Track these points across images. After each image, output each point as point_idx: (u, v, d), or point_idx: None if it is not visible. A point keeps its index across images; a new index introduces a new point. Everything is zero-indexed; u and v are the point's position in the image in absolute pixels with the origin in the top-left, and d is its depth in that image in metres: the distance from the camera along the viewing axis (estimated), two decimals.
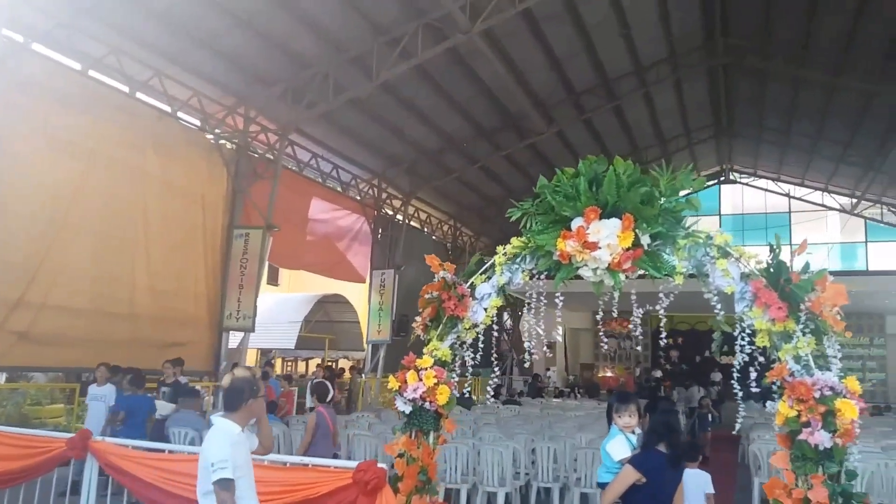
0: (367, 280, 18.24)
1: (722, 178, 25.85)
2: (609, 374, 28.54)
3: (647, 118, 19.28)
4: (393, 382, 3.79)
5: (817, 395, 3.08)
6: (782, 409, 3.16)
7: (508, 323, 31.92)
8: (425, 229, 21.50)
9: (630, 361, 28.28)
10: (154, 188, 12.06)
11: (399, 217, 19.32)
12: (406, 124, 16.02)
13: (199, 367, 13.16)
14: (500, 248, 3.97)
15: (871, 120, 17.07)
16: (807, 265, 3.36)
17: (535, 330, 32.48)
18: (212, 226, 13.49)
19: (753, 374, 3.38)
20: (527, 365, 15.76)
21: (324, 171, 16.59)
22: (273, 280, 29.61)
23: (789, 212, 24.78)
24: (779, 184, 25.04)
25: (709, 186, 26.25)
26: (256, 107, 13.53)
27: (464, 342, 4.04)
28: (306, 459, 4.39)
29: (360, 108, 14.45)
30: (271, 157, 14.20)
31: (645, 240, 3.55)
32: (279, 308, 16.73)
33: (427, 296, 3.92)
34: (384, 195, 18.64)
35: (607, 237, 3.51)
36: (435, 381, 3.70)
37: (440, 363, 3.89)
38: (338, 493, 3.79)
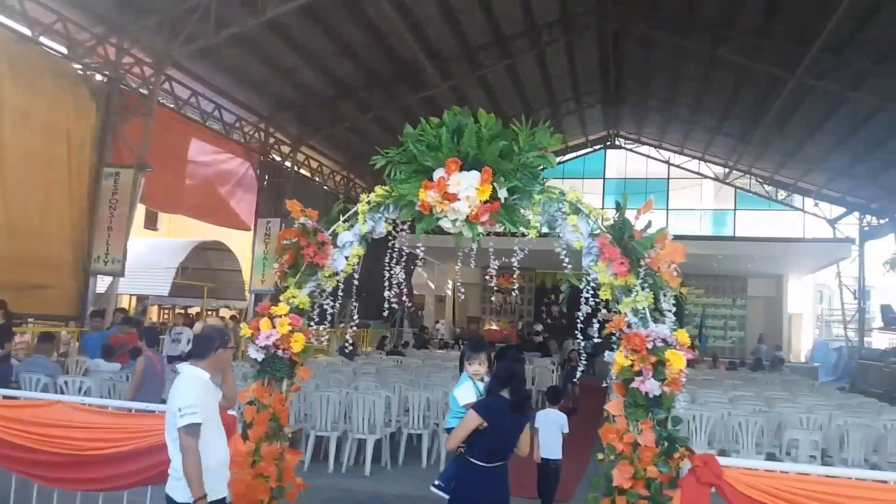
0: (252, 228, 17.70)
1: (608, 144, 26.79)
2: (495, 327, 29.37)
3: (540, 79, 19.55)
4: (245, 330, 3.69)
5: (650, 346, 3.26)
6: (618, 358, 3.34)
7: (402, 275, 32.13)
8: (316, 178, 21.01)
9: (514, 315, 29.23)
10: (10, 119, 11.02)
11: (287, 164, 18.76)
12: (296, 66, 15.45)
13: (65, 311, 12.43)
14: (363, 196, 3.91)
15: (745, 94, 18.12)
16: (649, 223, 3.51)
17: (427, 284, 32.89)
18: (78, 164, 12.55)
19: (596, 326, 3.53)
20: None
21: (205, 111, 15.77)
22: (152, 224, 28.13)
23: (668, 178, 26.09)
24: (660, 151, 26.25)
25: (595, 150, 27.20)
26: (130, 37, 12.57)
27: (324, 290, 3.98)
28: (133, 405, 4.25)
29: (245, 45, 13.74)
30: (145, 93, 13.30)
31: (502, 193, 3.59)
32: (154, 253, 15.93)
33: (285, 242, 3.82)
34: (271, 140, 17.99)
35: (466, 189, 3.52)
36: (290, 328, 3.62)
37: (298, 311, 3.81)
38: None
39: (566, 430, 5.70)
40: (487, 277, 3.88)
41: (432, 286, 32.95)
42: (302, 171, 19.91)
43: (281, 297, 3.80)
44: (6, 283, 11.07)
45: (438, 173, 3.57)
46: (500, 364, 3.79)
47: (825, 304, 40.13)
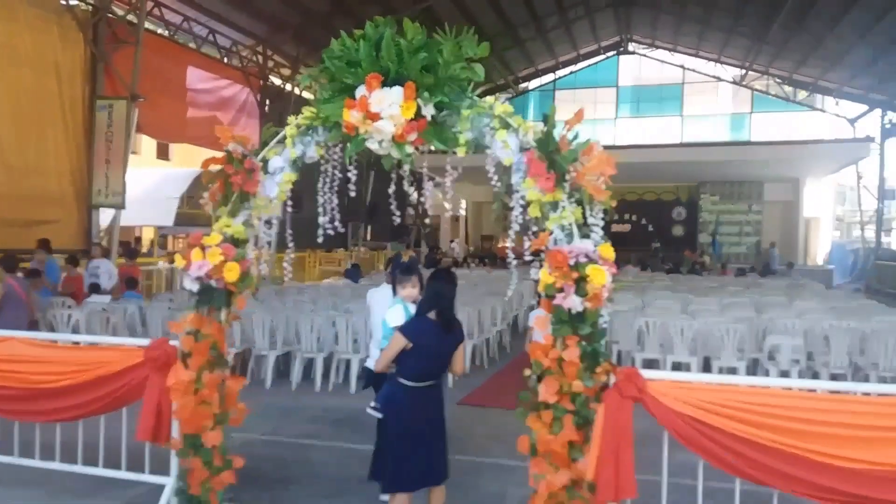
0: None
1: (621, 49, 25.82)
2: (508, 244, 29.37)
3: None
4: (179, 261, 3.70)
5: (572, 262, 3.21)
6: (543, 275, 3.29)
7: (415, 196, 32.12)
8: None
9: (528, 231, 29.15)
10: None
11: (288, 87, 18.46)
12: None
13: (71, 246, 12.63)
14: (291, 119, 3.81)
15: None
16: (576, 135, 3.38)
17: (442, 205, 32.89)
18: (70, 97, 12.50)
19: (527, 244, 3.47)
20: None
21: (199, 36, 15.44)
22: (164, 155, 28.28)
23: (682, 83, 25.22)
24: (674, 55, 25.28)
25: (608, 58, 26.26)
26: None
27: (260, 218, 3.96)
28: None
29: None
30: (133, 20, 13.03)
31: (429, 110, 3.47)
32: (161, 183, 16.04)
33: (211, 168, 3.77)
34: (270, 63, 17.64)
35: (390, 107, 3.40)
36: (221, 258, 3.62)
37: (233, 241, 3.80)
38: (130, 372, 3.78)
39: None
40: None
41: (448, 206, 32.92)
42: (305, 94, 19.57)
43: (213, 227, 3.79)
44: (9, 221, 11.29)
45: (360, 91, 3.45)
46: (428, 286, 3.78)
47: (848, 206, 39.26)
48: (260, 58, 17.18)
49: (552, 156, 3.30)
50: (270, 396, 7.19)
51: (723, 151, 23.06)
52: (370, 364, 4.60)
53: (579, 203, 3.35)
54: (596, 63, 26.35)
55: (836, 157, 23.01)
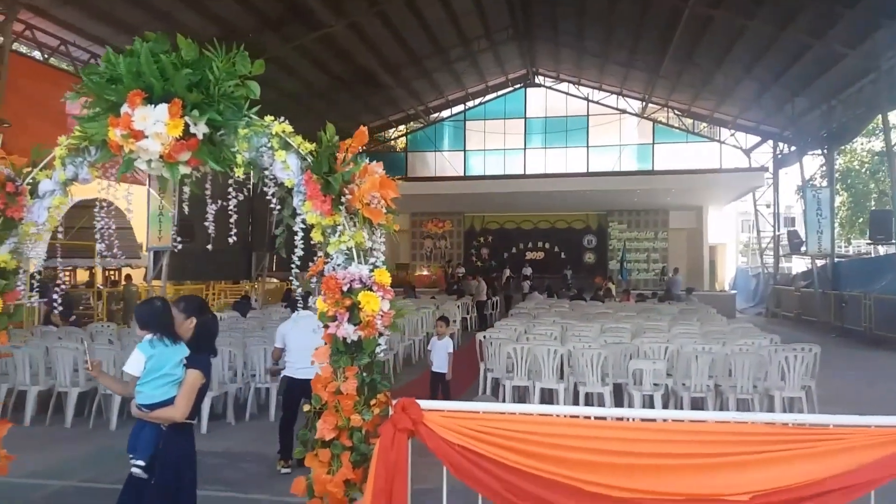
0: (146, 182, 16.94)
1: (528, 82, 26.39)
2: (425, 272, 29.29)
3: (446, 17, 18.90)
4: None
5: (346, 288, 3.03)
6: (319, 304, 3.10)
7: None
8: None
9: (444, 260, 29.17)
10: None
11: None
12: (175, 8, 14.54)
13: None
14: (62, 139, 3.52)
15: (648, 26, 17.88)
16: (355, 157, 3.23)
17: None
18: None
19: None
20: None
21: (79, 60, 14.79)
22: None
23: (587, 115, 25.92)
24: (579, 88, 26.01)
25: (515, 90, 26.79)
26: None
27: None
28: None
29: None
30: None
31: (200, 129, 3.24)
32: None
33: None
34: None
35: (155, 125, 3.16)
36: None
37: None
38: None
39: (450, 351, 7.41)
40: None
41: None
42: None
43: None
44: None
45: (125, 109, 3.20)
46: (199, 324, 3.54)
47: (753, 233, 41.10)
48: None
49: (326, 177, 3.12)
50: (113, 439, 6.70)
51: (627, 181, 23.74)
52: None
53: (357, 225, 3.18)
54: (505, 94, 26.81)
55: (734, 185, 24.06)
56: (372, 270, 3.09)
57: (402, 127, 28.18)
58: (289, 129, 3.33)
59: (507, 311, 16.07)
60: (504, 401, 7.66)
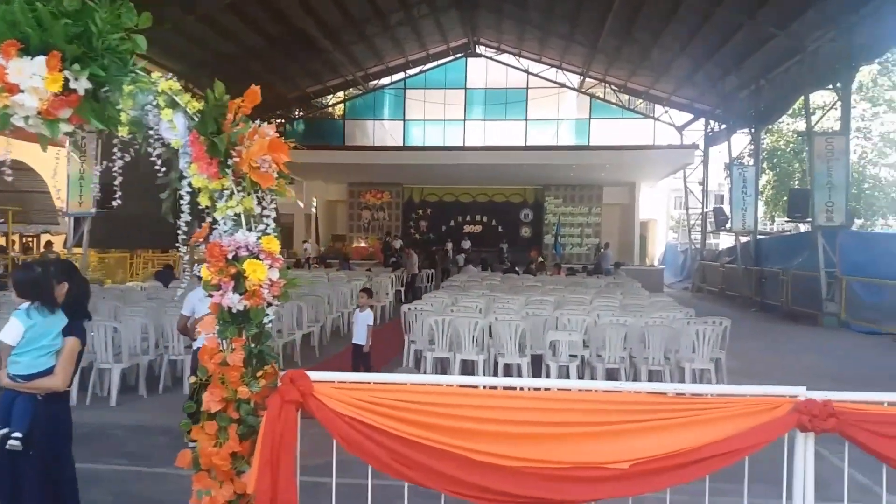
0: (66, 144, 16.15)
1: (469, 52, 26.20)
2: (363, 244, 29.07)
3: None
4: None
5: (231, 256, 2.92)
6: (204, 272, 2.98)
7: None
8: None
9: (382, 232, 28.97)
10: None
11: None
12: None
13: None
14: None
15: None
16: (244, 117, 3.09)
17: (296, 203, 31.88)
18: None
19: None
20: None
21: None
22: None
23: (527, 87, 25.97)
24: (520, 60, 25.98)
25: (456, 59, 26.58)
26: None
27: None
28: None
29: None
30: None
31: (82, 84, 3.04)
32: None
33: None
34: None
35: (31, 79, 2.94)
36: None
37: None
38: None
39: (370, 323, 7.36)
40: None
41: (301, 204, 32.03)
42: None
43: None
44: None
45: None
46: (71, 288, 3.38)
47: (685, 210, 42.26)
48: None
49: (211, 138, 2.98)
50: None
51: (564, 155, 23.97)
52: None
53: (245, 190, 3.05)
54: (446, 63, 26.58)
55: (666, 162, 24.59)
56: (259, 238, 2.98)
57: (340, 94, 27.65)
58: (176, 86, 3.16)
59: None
60: (425, 372, 7.68)
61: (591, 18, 19.21)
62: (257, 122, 3.08)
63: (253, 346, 3.02)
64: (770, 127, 27.59)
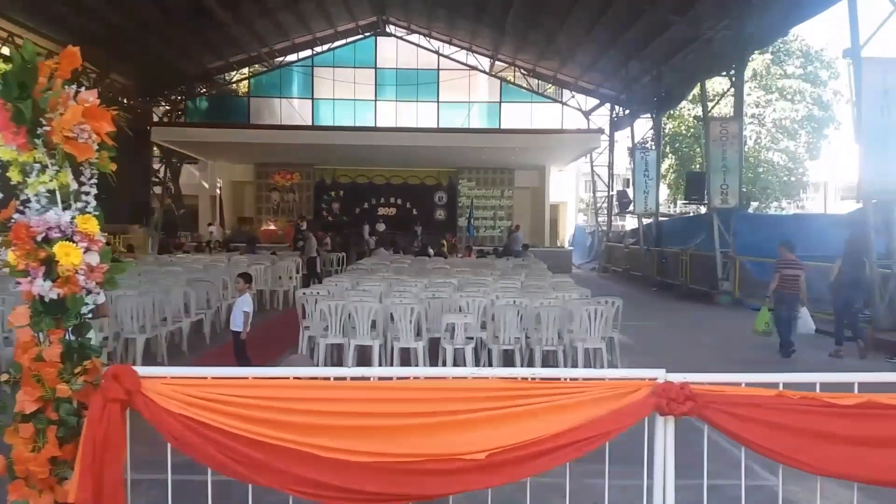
0: None
1: (378, 31, 25.71)
2: (272, 227, 28.24)
3: None
4: None
5: (40, 237, 2.57)
6: (10, 257, 2.62)
7: (167, 176, 29.48)
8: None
9: (293, 214, 28.20)
10: None
11: None
12: None
13: None
14: None
15: None
16: (55, 81, 2.73)
17: (201, 184, 30.56)
18: None
19: None
20: None
21: None
22: None
23: (438, 69, 25.75)
24: (430, 41, 25.72)
25: (365, 38, 26.04)
26: None
27: None
28: None
29: None
30: None
31: None
32: None
33: None
34: None
35: None
36: None
37: None
38: None
39: (247, 309, 6.98)
40: None
41: (206, 185, 30.74)
42: (6, 51, 16.85)
43: None
44: None
45: None
46: None
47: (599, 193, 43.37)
48: None
49: (16, 104, 2.61)
50: None
51: (475, 138, 23.94)
52: None
53: (58, 163, 2.69)
54: (354, 42, 26.00)
55: (573, 146, 24.97)
56: (73, 218, 2.64)
57: (245, 70, 26.61)
58: None
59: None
60: (319, 359, 7.42)
61: (497, 2, 19.15)
62: (73, 87, 2.72)
63: (72, 339, 2.69)
64: (672, 112, 28.57)
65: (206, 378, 2.76)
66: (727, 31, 15.13)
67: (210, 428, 2.64)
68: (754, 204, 30.39)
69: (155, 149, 26.24)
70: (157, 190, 27.48)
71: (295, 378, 2.81)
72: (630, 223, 31.72)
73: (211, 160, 28.33)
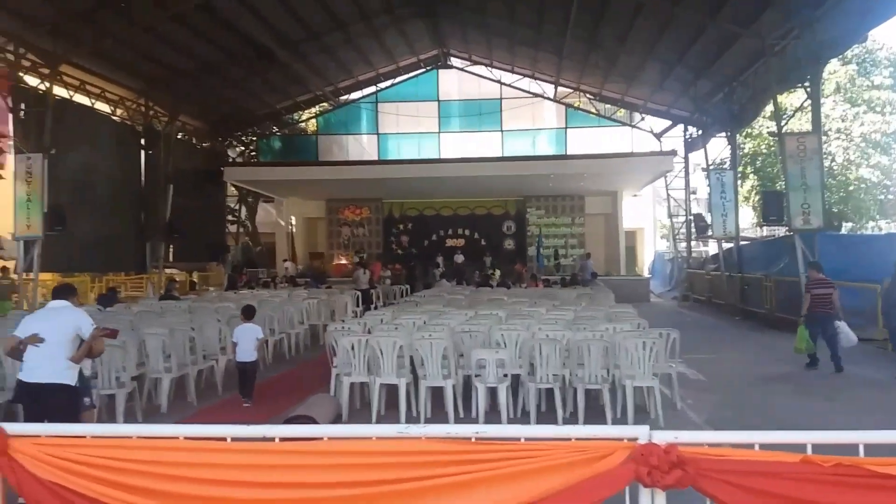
0: (12, 166, 15.56)
1: (440, 63, 25.66)
2: (343, 261, 28.38)
3: None
4: None
5: None
6: None
7: (244, 213, 30.29)
8: (96, 104, 18.76)
9: (363, 248, 28.24)
10: None
11: (46, 86, 16.33)
12: None
13: None
14: None
15: (551, 4, 17.38)
16: None
17: (277, 222, 31.23)
18: None
19: None
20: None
21: None
22: None
23: (500, 98, 25.39)
24: (492, 70, 25.42)
25: (428, 71, 26.04)
26: None
27: None
28: None
29: None
30: None
31: None
32: None
33: None
34: (25, 63, 15.60)
35: None
36: None
37: None
38: None
39: (260, 336, 7.35)
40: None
41: (282, 223, 31.35)
42: (76, 97, 17.66)
43: None
44: None
45: None
46: None
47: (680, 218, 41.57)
48: (11, 56, 15.13)
49: None
50: None
51: (540, 165, 23.27)
52: None
53: None
54: (417, 76, 26.04)
55: (645, 170, 23.85)
56: None
57: (313, 109, 27.11)
58: None
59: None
60: (344, 399, 6.97)
61: (554, 22, 18.61)
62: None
63: None
64: (750, 130, 27.02)
65: (84, 437, 2.32)
66: (798, 41, 14.01)
67: (83, 497, 2.19)
68: (848, 225, 28.15)
69: (232, 188, 27.04)
70: (234, 228, 28.22)
71: (185, 438, 2.31)
72: (713, 248, 30.08)
73: (283, 198, 28.88)
